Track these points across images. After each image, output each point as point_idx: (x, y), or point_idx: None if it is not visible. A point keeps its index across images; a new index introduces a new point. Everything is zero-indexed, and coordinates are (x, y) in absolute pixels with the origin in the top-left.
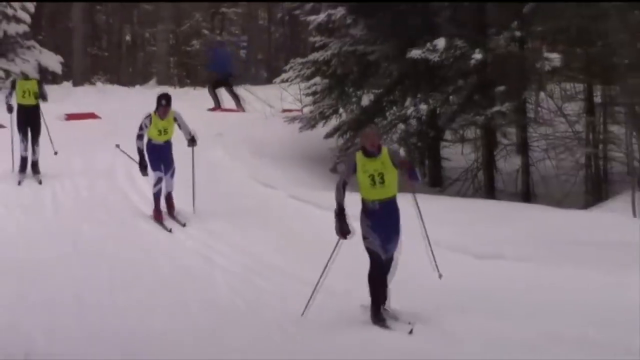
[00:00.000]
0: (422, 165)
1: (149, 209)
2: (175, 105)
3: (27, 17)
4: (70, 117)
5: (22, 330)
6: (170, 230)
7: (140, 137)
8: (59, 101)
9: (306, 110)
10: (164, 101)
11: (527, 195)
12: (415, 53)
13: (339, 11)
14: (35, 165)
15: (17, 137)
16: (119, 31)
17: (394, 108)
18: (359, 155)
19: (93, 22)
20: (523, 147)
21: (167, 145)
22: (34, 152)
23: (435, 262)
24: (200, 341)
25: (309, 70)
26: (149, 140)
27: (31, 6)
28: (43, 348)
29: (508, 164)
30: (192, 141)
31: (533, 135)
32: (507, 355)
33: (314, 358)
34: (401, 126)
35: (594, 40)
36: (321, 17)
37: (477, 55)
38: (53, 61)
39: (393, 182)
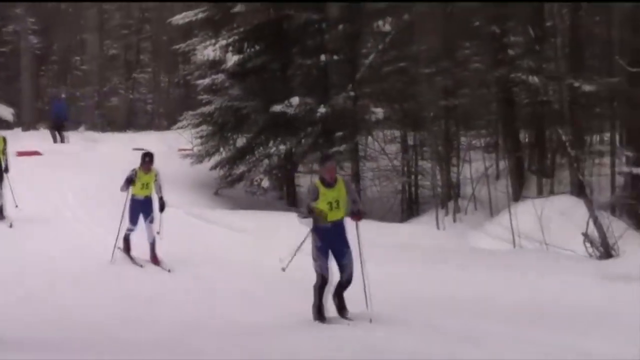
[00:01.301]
0: (282, 190)
1: (79, 219)
2: (102, 146)
3: None
4: (20, 154)
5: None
6: (142, 266)
7: (128, 182)
8: (11, 142)
9: (196, 149)
10: (147, 158)
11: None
12: (276, 108)
13: (220, 77)
14: (1, 209)
15: None
16: (57, 90)
17: (261, 148)
18: (320, 186)
19: (38, 83)
20: (356, 177)
21: (148, 200)
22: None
23: (366, 294)
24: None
25: (198, 120)
26: (132, 196)
27: None
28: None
29: None
30: (161, 203)
31: (363, 168)
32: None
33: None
34: (266, 161)
35: (408, 98)
36: (207, 80)
37: (322, 110)
38: (7, 112)
39: (344, 205)
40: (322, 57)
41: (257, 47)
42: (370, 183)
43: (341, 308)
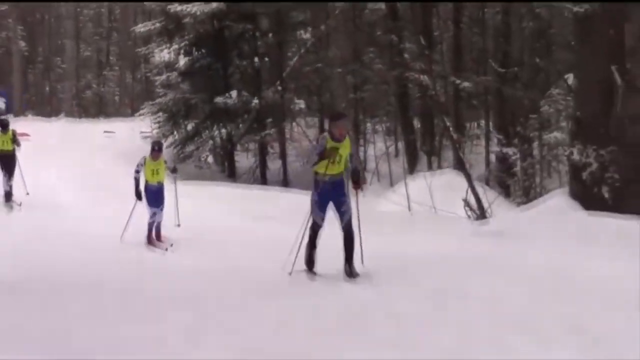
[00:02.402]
0: (223, 165)
1: (69, 192)
2: (79, 130)
3: None
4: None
5: None
6: (166, 250)
7: (137, 172)
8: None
9: (154, 132)
10: (156, 147)
11: (285, 182)
12: (219, 99)
13: (174, 74)
14: (10, 193)
15: None
16: (42, 84)
17: (207, 132)
18: (329, 139)
19: (26, 79)
20: (283, 155)
21: (160, 186)
22: (8, 182)
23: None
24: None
25: (156, 109)
26: (146, 183)
27: None
28: None
29: (274, 164)
30: (174, 170)
31: (289, 147)
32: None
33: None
34: (211, 142)
35: (324, 92)
36: (163, 77)
37: (255, 101)
38: (0, 102)
39: (345, 161)
40: (256, 60)
41: (203, 51)
42: (294, 159)
43: (350, 272)
